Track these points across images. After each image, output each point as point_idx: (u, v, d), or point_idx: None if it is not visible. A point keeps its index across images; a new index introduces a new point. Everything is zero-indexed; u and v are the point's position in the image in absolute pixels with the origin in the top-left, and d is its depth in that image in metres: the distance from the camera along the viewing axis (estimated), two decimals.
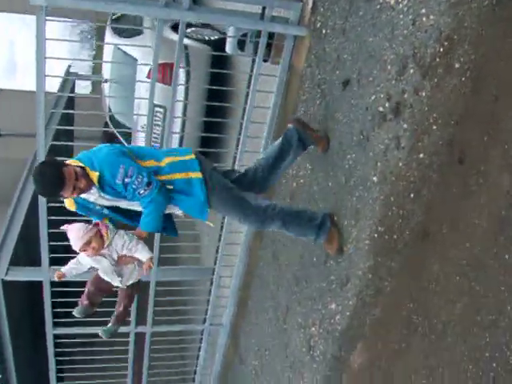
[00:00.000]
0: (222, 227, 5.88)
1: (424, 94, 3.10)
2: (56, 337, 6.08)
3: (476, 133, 2.68)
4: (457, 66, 2.83)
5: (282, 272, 5.21)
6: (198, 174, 3.63)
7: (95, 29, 21.04)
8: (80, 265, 3.69)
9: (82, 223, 3.54)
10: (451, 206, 2.83)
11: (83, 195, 3.50)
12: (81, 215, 3.81)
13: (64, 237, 5.55)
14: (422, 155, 3.10)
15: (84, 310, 3.70)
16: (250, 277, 6.04)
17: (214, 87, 5.93)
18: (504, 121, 2.52)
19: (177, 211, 3.79)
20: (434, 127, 2.99)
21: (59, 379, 6.51)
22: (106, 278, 3.63)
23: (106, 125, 12.66)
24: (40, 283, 5.83)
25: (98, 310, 5.83)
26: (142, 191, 3.43)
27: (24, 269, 6.30)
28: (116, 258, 3.57)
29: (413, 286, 3.12)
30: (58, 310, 5.97)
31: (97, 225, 3.59)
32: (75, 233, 3.47)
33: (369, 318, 3.58)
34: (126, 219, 3.74)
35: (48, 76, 4.57)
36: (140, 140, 7.07)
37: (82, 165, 3.41)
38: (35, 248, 6.12)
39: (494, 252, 2.53)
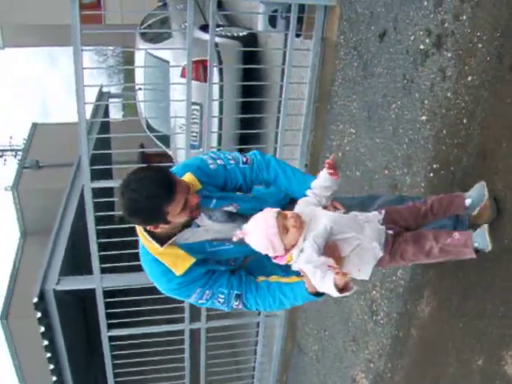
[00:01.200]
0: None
1: (465, 16, 3.11)
2: (111, 339, 6.13)
3: None
4: None
5: None
6: None
7: (123, 57, 21.60)
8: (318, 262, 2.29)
9: (255, 216, 2.41)
10: (508, 119, 2.80)
11: (194, 237, 2.52)
12: None
13: (108, 246, 5.74)
14: (470, 78, 3.08)
15: None
16: None
17: (248, 66, 6.11)
18: None
19: None
20: (480, 45, 2.99)
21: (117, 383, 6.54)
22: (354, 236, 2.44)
23: (142, 146, 12.90)
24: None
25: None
26: (244, 159, 2.64)
27: (75, 278, 6.43)
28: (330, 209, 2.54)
29: None
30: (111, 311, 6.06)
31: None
32: (258, 229, 2.35)
33: None
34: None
35: (88, 103, 4.82)
36: (179, 142, 7.17)
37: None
38: (82, 258, 6.27)
39: None
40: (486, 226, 2.60)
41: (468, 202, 2.66)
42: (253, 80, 6.21)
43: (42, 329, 6.23)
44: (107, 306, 5.98)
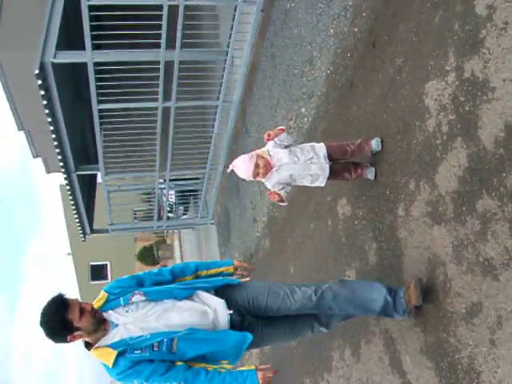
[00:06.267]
0: (233, 18, 7.58)
1: None
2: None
3: (383, 31, 4.40)
4: None
5: (277, 71, 7.14)
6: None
7: None
8: (281, 184, 4.13)
9: (242, 156, 4.03)
10: (365, 73, 4.68)
11: (117, 336, 3.38)
12: None
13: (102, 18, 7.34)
14: (356, 29, 4.85)
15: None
16: (254, 69, 7.99)
17: None
18: (397, 31, 4.20)
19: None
20: (364, 14, 4.70)
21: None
22: (312, 174, 4.13)
23: None
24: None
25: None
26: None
27: (70, 52, 8.00)
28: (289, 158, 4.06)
29: (342, 116, 5.12)
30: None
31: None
32: (241, 167, 4.00)
33: (320, 125, 5.67)
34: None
35: None
36: None
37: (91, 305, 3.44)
38: (77, 32, 7.92)
39: (383, 107, 4.43)
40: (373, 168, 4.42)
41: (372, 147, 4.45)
42: None
43: (42, 92, 8.25)
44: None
